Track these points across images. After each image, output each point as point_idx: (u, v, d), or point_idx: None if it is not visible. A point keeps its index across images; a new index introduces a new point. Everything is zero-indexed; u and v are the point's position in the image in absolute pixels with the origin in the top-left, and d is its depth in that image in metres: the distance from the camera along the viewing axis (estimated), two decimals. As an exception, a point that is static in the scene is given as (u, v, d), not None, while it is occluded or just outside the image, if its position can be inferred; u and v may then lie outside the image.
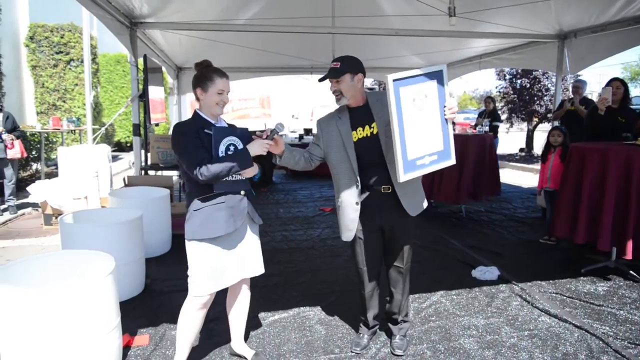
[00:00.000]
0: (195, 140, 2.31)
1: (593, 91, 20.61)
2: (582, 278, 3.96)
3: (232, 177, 2.37)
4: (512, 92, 13.96)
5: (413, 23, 6.14)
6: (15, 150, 6.32)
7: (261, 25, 5.96)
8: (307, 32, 6.07)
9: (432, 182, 6.20)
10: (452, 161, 2.57)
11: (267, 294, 3.73)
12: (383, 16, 6.14)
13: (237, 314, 2.73)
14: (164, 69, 8.42)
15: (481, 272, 4.02)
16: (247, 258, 2.52)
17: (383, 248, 2.80)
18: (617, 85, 4.47)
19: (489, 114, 9.04)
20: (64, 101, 11.37)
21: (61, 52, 11.16)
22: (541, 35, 6.75)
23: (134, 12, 5.36)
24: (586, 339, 2.94)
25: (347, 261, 4.47)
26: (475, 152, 6.12)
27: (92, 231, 3.42)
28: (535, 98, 13.42)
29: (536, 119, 13.80)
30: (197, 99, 2.44)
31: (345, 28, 6.13)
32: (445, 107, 2.47)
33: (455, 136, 2.97)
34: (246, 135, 2.45)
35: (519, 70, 13.49)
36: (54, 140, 9.77)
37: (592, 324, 3.13)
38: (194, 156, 2.26)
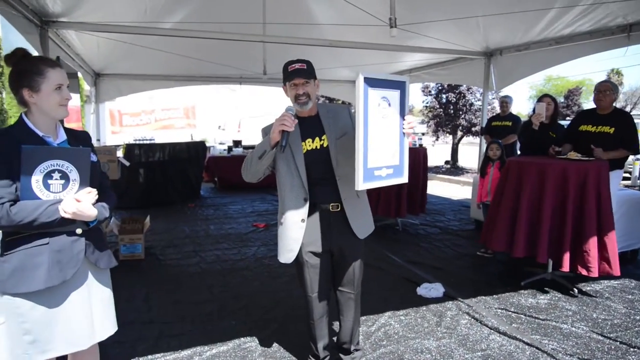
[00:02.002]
0: (2, 166, 1.70)
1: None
2: (522, 291, 3.98)
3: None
4: (438, 106, 14.45)
5: (347, 34, 6.05)
6: None
7: (188, 31, 5.57)
8: (237, 40, 5.77)
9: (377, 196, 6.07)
10: (404, 179, 2.41)
11: (201, 324, 3.36)
12: (316, 24, 5.98)
13: None
14: (80, 74, 7.72)
15: (426, 290, 3.91)
16: (94, 316, 1.92)
17: (332, 272, 2.57)
18: (549, 101, 4.60)
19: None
20: (-40, 108, 10.17)
21: (-43, 52, 9.99)
22: (470, 52, 6.94)
23: (45, 10, 4.78)
24: (538, 357, 2.88)
25: (287, 282, 4.20)
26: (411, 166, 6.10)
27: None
28: (460, 112, 13.97)
29: (460, 133, 14.35)
30: (24, 103, 1.81)
31: (277, 37, 5.90)
32: (404, 120, 2.31)
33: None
34: (83, 156, 1.83)
35: (445, 86, 13.99)
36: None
37: (541, 339, 3.10)
38: None
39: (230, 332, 3.22)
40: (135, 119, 17.94)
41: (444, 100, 14.35)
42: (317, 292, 2.52)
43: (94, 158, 1.93)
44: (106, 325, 1.99)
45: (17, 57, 1.82)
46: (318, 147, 2.40)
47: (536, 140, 4.57)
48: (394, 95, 2.24)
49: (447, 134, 15.04)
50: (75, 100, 6.45)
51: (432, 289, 3.92)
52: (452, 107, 14.13)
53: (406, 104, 2.30)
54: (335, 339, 2.77)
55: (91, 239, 1.91)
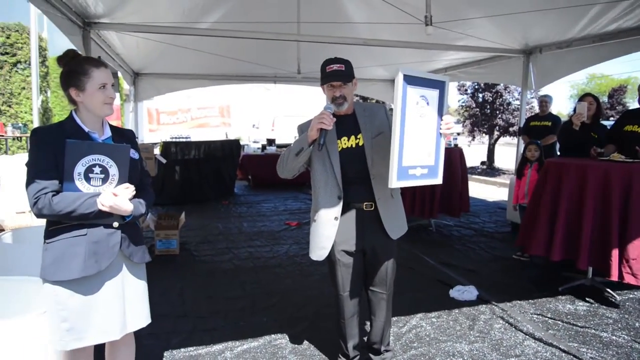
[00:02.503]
0: (47, 156, 1.79)
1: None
2: (560, 297, 3.86)
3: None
4: (474, 105, 14.16)
5: (382, 33, 6.01)
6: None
7: (224, 31, 5.65)
8: (272, 39, 5.81)
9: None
10: (438, 180, 2.37)
11: (233, 319, 3.41)
12: (351, 23, 5.97)
13: None
14: (119, 74, 7.95)
15: (459, 292, 3.85)
16: (127, 308, 1.99)
17: (364, 271, 2.56)
18: (590, 100, 4.45)
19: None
20: (9, 106, 10.63)
21: (7, 53, 10.45)
22: (508, 49, 6.76)
23: (87, 11, 4.95)
24: (575, 366, 2.79)
25: (318, 281, 4.22)
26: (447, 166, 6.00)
27: (35, 253, 3.01)
28: (497, 112, 13.66)
29: (497, 133, 14.04)
30: (73, 102, 1.92)
31: (311, 36, 5.91)
32: (442, 121, 2.27)
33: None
34: (122, 152, 1.89)
35: (482, 84, 13.70)
36: (-2, 147, 9.08)
37: (579, 347, 2.99)
38: (35, 181, 1.76)
39: (261, 328, 3.25)
40: (172, 117, 18.30)
41: (480, 100, 14.05)
42: (349, 291, 2.51)
43: (135, 155, 2.00)
44: (139, 317, 2.04)
45: (68, 58, 1.92)
46: (353, 146, 2.40)
47: (577, 141, 4.42)
48: (433, 94, 2.20)
49: (484, 134, 14.71)
50: (115, 99, 6.64)
51: (465, 291, 3.85)
52: (488, 106, 13.81)
53: (445, 104, 2.26)
54: (365, 338, 2.75)
55: (127, 233, 1.96)
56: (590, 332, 3.21)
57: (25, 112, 10.61)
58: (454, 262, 4.79)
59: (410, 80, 2.07)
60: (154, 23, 5.33)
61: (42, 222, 1.91)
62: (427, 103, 2.18)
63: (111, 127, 2.04)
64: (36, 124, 6.31)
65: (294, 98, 19.58)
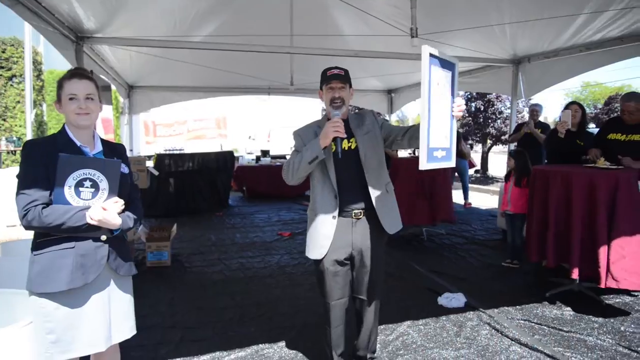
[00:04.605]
0: (38, 169, 1.83)
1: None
2: (547, 303, 3.88)
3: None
4: (466, 114, 14.27)
5: (372, 44, 6.09)
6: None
7: (217, 44, 5.73)
8: (265, 52, 5.88)
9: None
10: (452, 163, 2.36)
11: (221, 329, 3.43)
12: (342, 36, 6.06)
13: None
14: (113, 87, 8.01)
15: (447, 299, 3.87)
16: (112, 320, 2.01)
17: (352, 279, 2.60)
18: (576, 108, 4.51)
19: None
20: (4, 119, 10.70)
21: (2, 67, 10.52)
22: (497, 59, 6.86)
23: (80, 26, 5.01)
24: (559, 371, 2.82)
25: (308, 290, 4.24)
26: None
27: (25, 266, 3.03)
28: (489, 121, 13.76)
29: (490, 141, 14.13)
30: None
31: (304, 48, 5.99)
32: (454, 103, 2.26)
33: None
34: (113, 167, 1.92)
35: (474, 94, 13.83)
36: (-8, 161, 9.10)
37: (564, 352, 3.02)
38: (25, 193, 1.80)
39: (249, 338, 3.27)
40: (168, 129, 18.38)
41: (472, 109, 14.17)
42: (337, 299, 2.55)
43: (125, 170, 2.04)
44: (124, 329, 2.06)
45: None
46: (346, 149, 2.47)
47: (563, 149, 4.47)
48: (447, 76, 2.19)
49: (477, 143, 14.80)
50: (108, 112, 6.70)
51: (453, 298, 3.87)
52: (481, 115, 13.93)
53: (456, 87, 2.24)
54: (353, 346, 2.77)
55: (114, 247, 1.99)
56: (576, 337, 3.24)
57: (20, 126, 10.67)
58: (444, 270, 4.82)
59: (434, 60, 2.03)
60: (145, 37, 5.40)
61: (31, 235, 1.94)
62: (444, 85, 2.16)
63: (103, 141, 2.08)
64: (29, 137, 6.34)
65: (289, 109, 19.66)
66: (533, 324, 3.47)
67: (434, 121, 2.08)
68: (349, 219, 2.47)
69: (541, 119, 6.72)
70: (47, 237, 1.87)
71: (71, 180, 1.83)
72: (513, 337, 3.23)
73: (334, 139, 2.27)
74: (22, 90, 10.54)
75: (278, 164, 10.36)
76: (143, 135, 17.17)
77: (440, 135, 2.18)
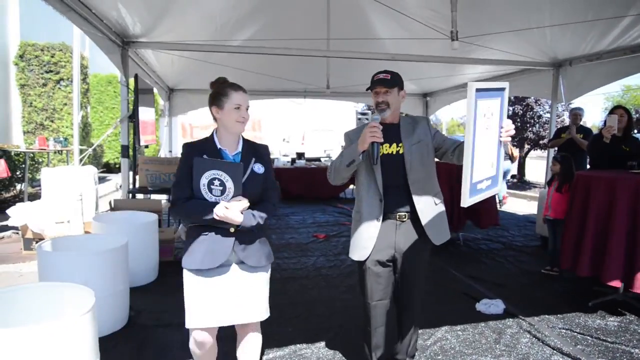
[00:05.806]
0: (186, 168, 2.18)
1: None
2: (590, 312, 3.78)
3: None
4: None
5: (408, 48, 6.08)
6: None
7: (255, 47, 5.85)
8: (302, 55, 5.96)
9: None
10: (499, 188, 2.36)
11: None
12: (378, 39, 6.07)
13: None
14: (155, 90, 8.26)
15: (486, 306, 3.82)
16: (239, 302, 2.25)
17: (394, 281, 2.61)
18: (622, 113, 4.37)
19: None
20: (52, 121, 11.13)
21: (51, 71, 10.97)
22: (536, 62, 6.73)
23: (126, 31, 5.22)
24: (603, 382, 2.75)
25: (344, 292, 4.26)
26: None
27: (72, 261, 3.17)
28: (528, 125, 13.46)
29: (528, 146, 13.83)
30: (215, 118, 2.29)
31: (340, 52, 6.04)
32: (502, 128, 2.21)
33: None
34: (236, 169, 2.16)
35: (512, 97, 13.55)
36: (40, 160, 9.47)
37: (608, 364, 2.95)
38: (175, 188, 2.22)
39: (286, 338, 3.32)
40: (204, 131, 18.76)
41: (510, 113, 13.89)
42: (377, 300, 2.57)
43: (260, 170, 2.28)
44: (253, 312, 2.30)
45: (218, 83, 2.29)
46: (394, 153, 2.50)
47: (607, 154, 4.35)
48: (496, 104, 2.15)
49: (514, 147, 14.50)
50: (150, 114, 6.92)
51: (491, 305, 3.82)
52: (518, 119, 13.64)
53: (505, 111, 2.20)
54: (393, 350, 2.78)
55: (242, 239, 2.23)
56: (621, 348, 3.15)
57: (66, 127, 11.09)
58: (482, 276, 4.76)
59: (481, 94, 2.00)
60: (188, 41, 5.56)
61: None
62: (492, 114, 2.12)
63: (247, 142, 2.33)
64: (76, 138, 6.61)
65: (324, 112, 19.75)
66: (575, 333, 3.39)
67: (478, 156, 2.06)
68: (393, 221, 2.49)
69: (581, 123, 6.53)
70: (194, 225, 2.24)
71: (204, 179, 2.13)
72: (555, 347, 3.17)
73: (372, 144, 2.29)
74: (69, 93, 10.95)
75: (313, 166, 10.47)
76: (180, 137, 17.59)
77: (486, 164, 2.17)
